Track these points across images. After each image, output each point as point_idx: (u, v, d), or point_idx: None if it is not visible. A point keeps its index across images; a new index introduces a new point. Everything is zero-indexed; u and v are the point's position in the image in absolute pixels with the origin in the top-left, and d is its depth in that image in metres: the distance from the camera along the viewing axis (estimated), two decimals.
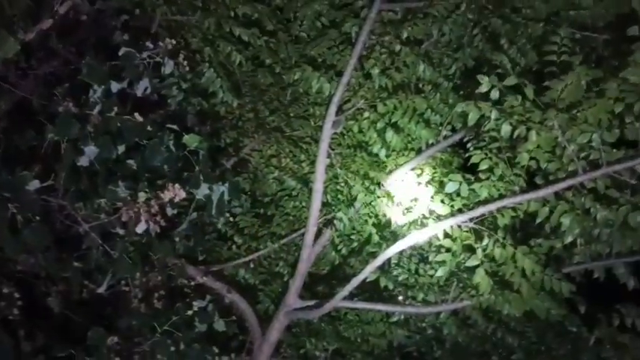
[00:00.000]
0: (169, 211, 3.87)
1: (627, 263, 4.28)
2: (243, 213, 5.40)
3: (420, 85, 4.84)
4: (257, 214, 5.56)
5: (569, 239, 3.62)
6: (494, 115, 3.37)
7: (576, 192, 3.50)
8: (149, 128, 3.73)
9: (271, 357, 5.13)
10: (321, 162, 4.50)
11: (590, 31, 4.10)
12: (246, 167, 5.32)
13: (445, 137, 5.08)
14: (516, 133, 3.40)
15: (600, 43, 4.06)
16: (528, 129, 3.38)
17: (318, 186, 4.53)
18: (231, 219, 5.23)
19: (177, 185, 3.62)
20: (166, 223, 3.87)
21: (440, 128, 5.03)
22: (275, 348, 5.23)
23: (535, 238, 4.12)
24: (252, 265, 5.40)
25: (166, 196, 3.61)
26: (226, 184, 3.94)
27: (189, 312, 4.04)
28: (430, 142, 5.16)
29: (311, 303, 4.73)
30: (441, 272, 4.20)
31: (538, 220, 3.66)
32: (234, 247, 5.41)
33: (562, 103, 3.25)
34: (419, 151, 5.23)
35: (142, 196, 3.60)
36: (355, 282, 4.34)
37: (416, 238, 4.11)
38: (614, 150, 3.32)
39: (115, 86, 3.74)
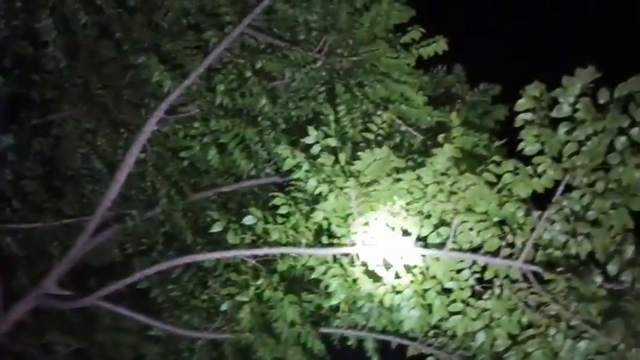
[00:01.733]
0: None
1: (377, 340, 4.68)
2: (32, 178, 4.92)
3: (259, 119, 4.95)
4: (50, 184, 5.11)
5: (333, 302, 3.83)
6: (305, 166, 3.54)
7: (351, 262, 3.75)
8: None
9: (6, 337, 4.59)
10: (133, 154, 4.30)
11: (414, 128, 4.57)
12: (53, 131, 4.88)
13: (267, 175, 5.22)
14: (319, 189, 3.60)
15: (418, 141, 4.52)
16: (330, 190, 3.59)
17: (120, 176, 4.30)
18: (9, 178, 4.71)
19: None
20: None
21: (266, 165, 5.17)
22: (15, 329, 4.71)
23: (309, 293, 4.33)
24: (20, 236, 4.89)
25: None
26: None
27: None
28: (251, 174, 5.26)
29: (68, 293, 4.37)
30: (225, 306, 4.15)
31: (313, 276, 3.84)
32: (8, 209, 4.87)
33: (364, 178, 3.52)
34: (239, 179, 5.30)
35: None
36: (120, 284, 4.14)
37: (195, 258, 4.06)
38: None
39: None
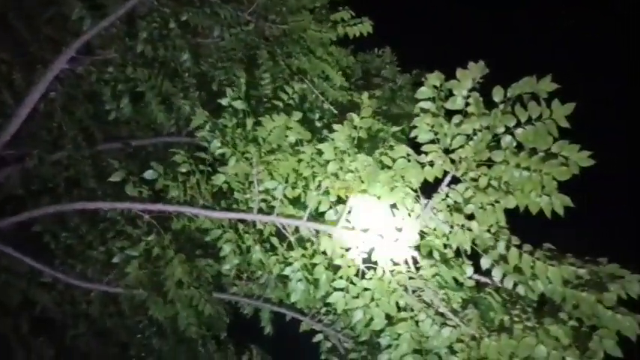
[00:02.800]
0: None
1: (272, 311, 4.72)
2: None
3: (186, 75, 4.83)
4: None
5: (225, 267, 3.80)
6: (208, 126, 3.47)
7: (248, 227, 3.73)
8: None
9: None
10: (38, 90, 4.10)
11: (335, 106, 4.56)
12: None
13: (189, 134, 5.13)
14: (221, 151, 3.54)
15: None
16: (232, 154, 3.54)
17: (21, 111, 4.10)
18: None
19: None
20: None
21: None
22: None
23: (210, 258, 4.29)
24: None
25: None
26: None
27: None
28: (172, 130, 5.15)
29: None
30: (116, 259, 4.07)
31: (207, 239, 3.80)
32: None
33: (267, 146, 3.48)
34: (158, 134, 5.19)
35: None
36: (3, 223, 3.97)
37: (86, 206, 3.95)
38: (290, 206, 3.64)
39: None
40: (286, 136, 3.47)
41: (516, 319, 2.70)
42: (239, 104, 3.48)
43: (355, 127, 3.36)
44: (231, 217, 3.70)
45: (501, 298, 2.83)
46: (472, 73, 2.68)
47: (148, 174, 3.79)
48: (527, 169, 2.68)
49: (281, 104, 3.67)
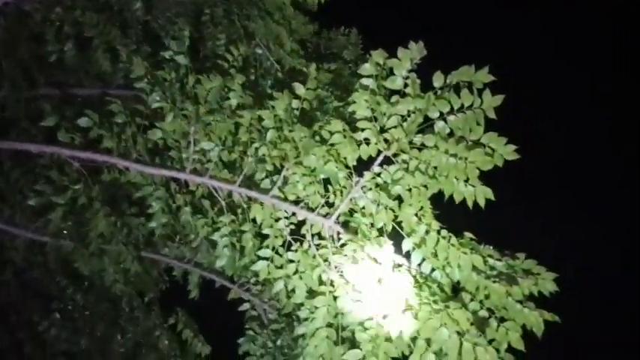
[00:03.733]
0: None
1: (202, 276, 4.67)
2: None
3: (139, 25, 4.70)
4: None
5: (153, 224, 3.73)
6: (145, 79, 3.37)
7: (179, 187, 3.67)
8: None
9: None
10: None
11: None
12: None
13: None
14: (159, 105, 3.45)
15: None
16: (171, 109, 3.45)
17: None
18: None
19: None
20: None
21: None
22: None
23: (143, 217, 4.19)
24: None
25: None
26: None
27: None
28: (120, 82, 5.01)
29: None
30: (32, 202, 3.94)
31: (138, 194, 3.72)
32: None
33: (207, 106, 3.40)
34: (107, 85, 5.04)
35: None
36: None
37: (13, 145, 3.81)
38: (225, 170, 3.58)
39: None
40: (228, 99, 3.40)
41: (425, 301, 2.73)
42: (181, 59, 3.39)
43: (299, 98, 3.32)
44: (164, 174, 3.62)
45: (414, 280, 2.86)
46: (412, 53, 2.67)
47: (82, 121, 3.67)
48: (454, 155, 2.70)
49: (226, 65, 3.59)
